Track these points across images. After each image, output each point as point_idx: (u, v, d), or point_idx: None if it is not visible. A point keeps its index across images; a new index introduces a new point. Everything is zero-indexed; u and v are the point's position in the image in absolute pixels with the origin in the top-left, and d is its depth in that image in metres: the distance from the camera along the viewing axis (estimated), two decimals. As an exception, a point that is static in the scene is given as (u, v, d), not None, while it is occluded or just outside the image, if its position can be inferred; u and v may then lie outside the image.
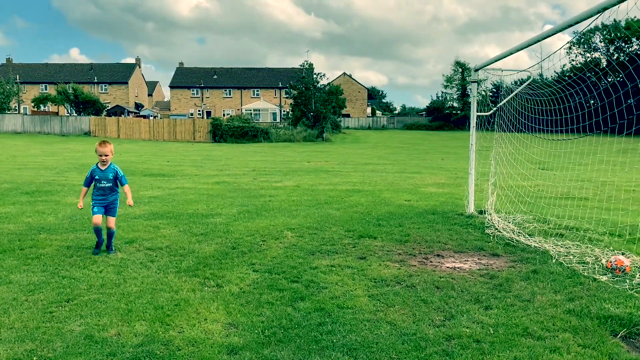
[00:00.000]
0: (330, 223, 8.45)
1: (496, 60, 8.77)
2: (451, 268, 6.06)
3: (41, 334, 4.02)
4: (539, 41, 7.26)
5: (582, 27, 6.49)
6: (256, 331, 4.14)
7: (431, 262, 6.35)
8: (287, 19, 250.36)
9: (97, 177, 6.39)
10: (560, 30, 6.54)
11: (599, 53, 73.77)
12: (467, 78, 73.28)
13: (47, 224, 8.07)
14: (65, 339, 3.92)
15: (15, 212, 9.05)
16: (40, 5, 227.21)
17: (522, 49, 7.79)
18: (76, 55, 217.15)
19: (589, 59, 71.56)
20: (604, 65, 56.30)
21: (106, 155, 6.39)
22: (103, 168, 6.40)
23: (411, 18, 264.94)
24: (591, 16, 5.71)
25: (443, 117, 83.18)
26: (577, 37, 67.65)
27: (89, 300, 4.75)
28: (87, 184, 6.46)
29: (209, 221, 8.48)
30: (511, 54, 8.22)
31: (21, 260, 5.98)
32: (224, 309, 4.62)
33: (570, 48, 73.08)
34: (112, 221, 6.41)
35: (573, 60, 73.55)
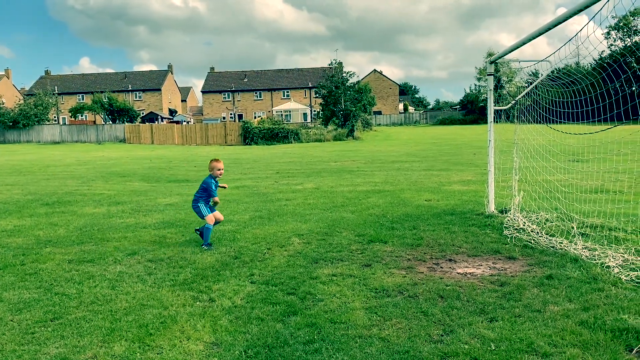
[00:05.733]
0: (342, 227, 8.15)
1: (512, 50, 8.29)
2: (462, 274, 5.69)
3: (16, 358, 3.88)
4: (556, 25, 6.75)
5: (598, 7, 5.97)
6: (237, 351, 3.90)
7: (441, 267, 5.99)
8: (281, 16, 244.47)
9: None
10: (580, 11, 5.96)
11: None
12: (500, 70, 71.37)
13: (56, 236, 8.04)
14: (38, 364, 3.77)
15: (30, 224, 9.08)
16: (40, 18, 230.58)
17: (539, 34, 7.27)
18: (86, 65, 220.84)
19: (628, 44, 68.80)
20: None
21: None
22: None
23: (409, 6, 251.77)
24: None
25: (478, 110, 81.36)
26: (615, 20, 65.11)
27: (74, 319, 4.60)
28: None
29: (218, 229, 8.30)
30: (529, 40, 7.71)
31: (19, 277, 5.91)
32: (210, 326, 4.40)
33: (608, 33, 70.55)
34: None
35: (612, 44, 70.86)
